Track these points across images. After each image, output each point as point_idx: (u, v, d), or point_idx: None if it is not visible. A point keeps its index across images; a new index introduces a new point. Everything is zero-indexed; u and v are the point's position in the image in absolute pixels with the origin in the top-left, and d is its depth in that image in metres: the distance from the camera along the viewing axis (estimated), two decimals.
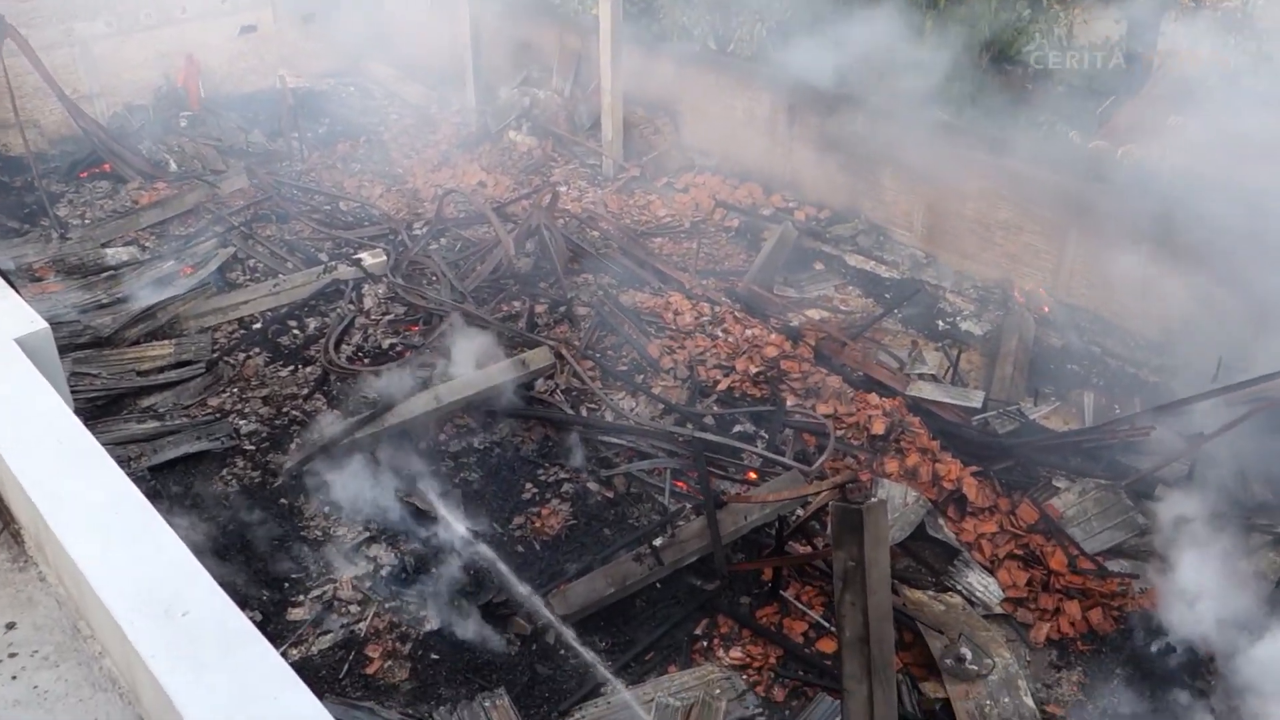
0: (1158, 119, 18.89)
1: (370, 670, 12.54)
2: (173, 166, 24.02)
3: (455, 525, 14.10)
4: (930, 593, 13.84)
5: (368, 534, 14.17)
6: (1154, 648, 13.15)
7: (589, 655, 12.70)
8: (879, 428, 15.96)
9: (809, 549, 14.08)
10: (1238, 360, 16.12)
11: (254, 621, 12.49)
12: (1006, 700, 12.33)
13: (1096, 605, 13.87)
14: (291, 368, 17.05)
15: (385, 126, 27.56)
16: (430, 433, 15.58)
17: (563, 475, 15.22)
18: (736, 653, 13.08)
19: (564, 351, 17.03)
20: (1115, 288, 18.78)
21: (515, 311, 18.47)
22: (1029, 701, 12.41)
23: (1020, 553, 14.59)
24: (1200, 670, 12.92)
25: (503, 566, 13.56)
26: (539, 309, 18.50)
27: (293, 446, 15.21)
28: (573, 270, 19.72)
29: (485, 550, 13.82)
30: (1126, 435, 15.80)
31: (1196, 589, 13.65)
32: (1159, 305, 18.11)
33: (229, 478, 14.86)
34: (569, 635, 12.80)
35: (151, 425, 15.41)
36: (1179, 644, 13.12)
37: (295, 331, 17.96)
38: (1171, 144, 18.13)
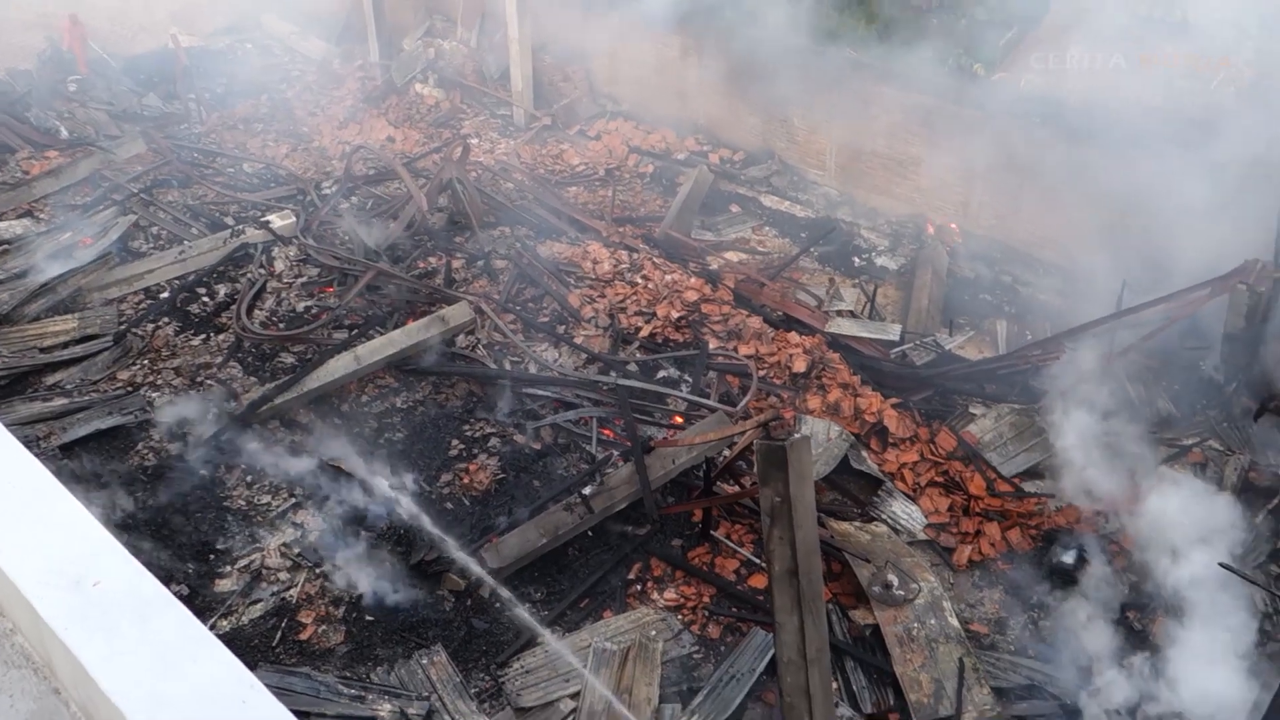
0: (1059, 49, 19.17)
1: (304, 636, 12.44)
2: (64, 133, 23.10)
3: (382, 486, 13.99)
4: (856, 523, 14.12)
5: (293, 500, 13.98)
6: (1068, 560, 13.57)
7: (521, 612, 12.75)
8: (800, 365, 16.14)
9: (737, 488, 14.25)
10: (1140, 282, 16.55)
11: (181, 596, 12.34)
12: (933, 622, 12.68)
13: (1015, 525, 14.29)
14: (203, 336, 16.66)
15: (287, 84, 26.82)
16: (352, 394, 15.40)
17: (489, 430, 15.17)
18: (670, 594, 13.23)
19: (484, 306, 16.90)
20: (1022, 218, 19.16)
21: (432, 268, 18.25)
22: (954, 622, 12.77)
23: (941, 480, 14.94)
24: (1115, 580, 13.39)
25: (427, 522, 13.50)
26: (456, 264, 18.30)
27: (210, 415, 14.90)
28: (488, 223, 19.51)
29: (414, 508, 13.74)
30: (1038, 360, 16.20)
31: (1107, 502, 14.14)
32: (1064, 233, 18.52)
33: (145, 452, 14.52)
34: (502, 592, 12.83)
35: (59, 403, 14.97)
36: (1090, 555, 13.57)
37: (205, 299, 17.53)
38: (1071, 73, 18.44)
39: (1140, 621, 13.00)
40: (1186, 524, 13.65)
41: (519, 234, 19.30)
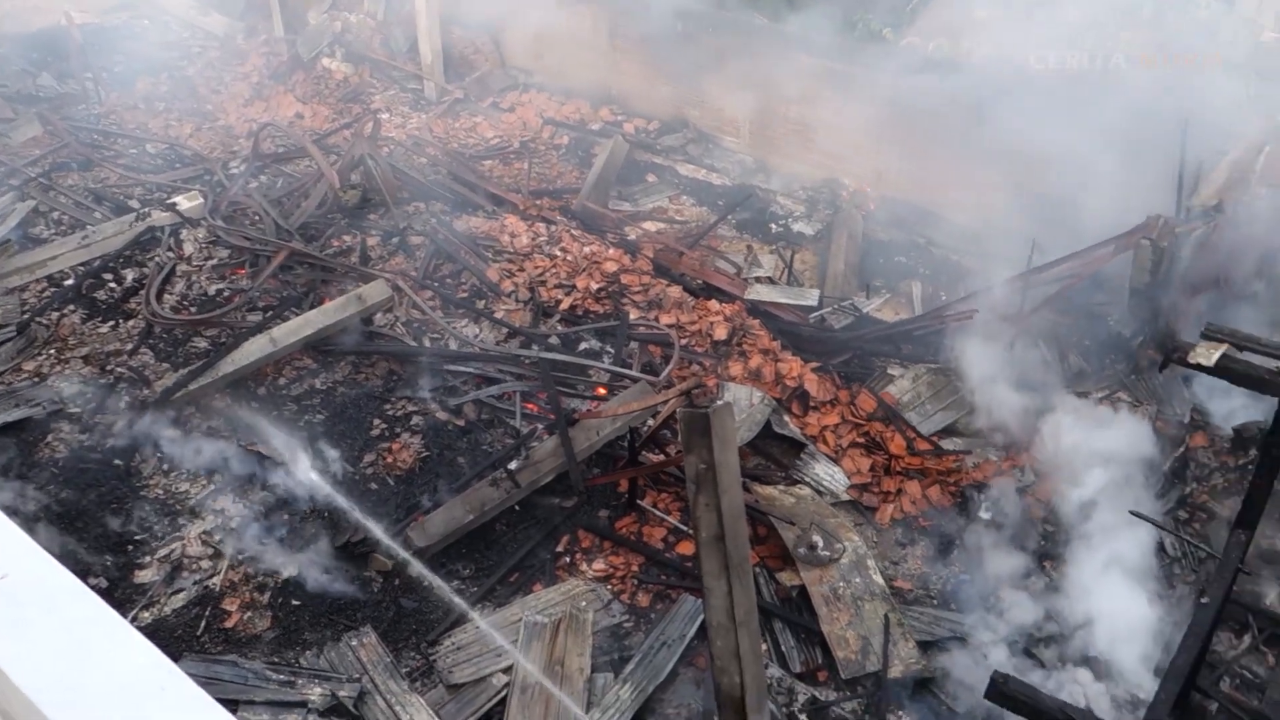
0: (965, 10, 19.45)
1: (229, 624, 12.25)
2: None
3: (304, 469, 13.79)
4: (780, 487, 14.31)
5: (212, 487, 13.73)
6: (985, 514, 13.93)
7: (445, 590, 12.72)
8: (721, 333, 16.26)
9: (662, 457, 14.34)
10: (1049, 241, 16.93)
11: (99, 589, 12.04)
12: (858, 580, 12.92)
13: (935, 483, 14.61)
14: (112, 323, 16.21)
15: (188, 61, 26.06)
16: (269, 377, 15.12)
17: (411, 408, 15.03)
18: (599, 565, 13.29)
19: (401, 283, 16.69)
20: (933, 180, 19.45)
21: (347, 246, 17.96)
22: (878, 579, 13.04)
23: (862, 441, 15.20)
24: (1031, 531, 13.79)
25: (343, 502, 13.37)
26: (371, 242, 18.03)
27: (123, 404, 14.54)
28: (403, 199, 19.24)
29: (337, 490, 13.58)
30: (953, 320, 16.51)
31: (1021, 455, 14.52)
32: (975, 195, 18.84)
33: (55, 444, 14.12)
34: (425, 571, 12.77)
35: None
36: (1008, 512, 13.94)
37: (112, 285, 17.03)
38: (977, 35, 18.73)
39: (1053, 570, 13.38)
40: (1097, 473, 14.10)
41: (434, 209, 19.08)
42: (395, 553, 12.85)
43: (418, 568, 12.78)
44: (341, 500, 13.43)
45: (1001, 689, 8.25)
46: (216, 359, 14.77)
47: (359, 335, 15.86)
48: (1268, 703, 11.79)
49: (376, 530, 13.04)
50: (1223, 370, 8.74)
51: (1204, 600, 9.40)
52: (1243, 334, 9.19)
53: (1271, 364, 8.77)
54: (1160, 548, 14.02)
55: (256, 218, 18.72)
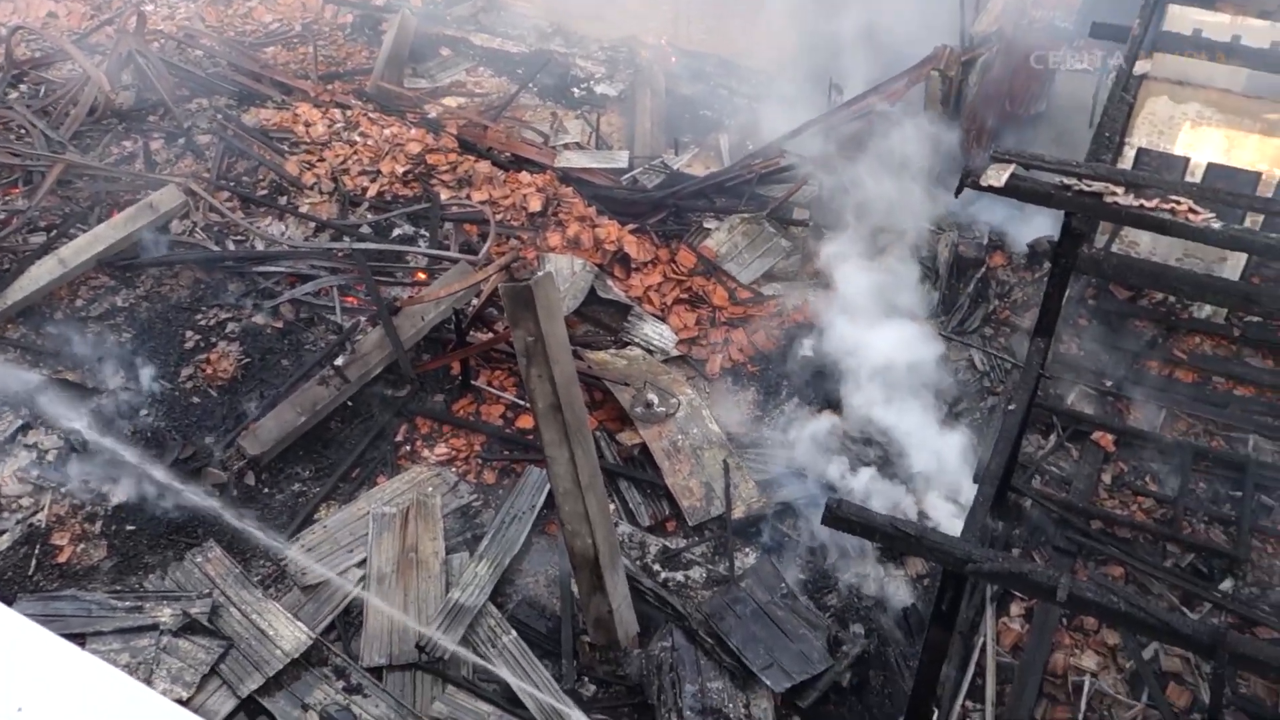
0: None
1: (62, 559, 11.78)
2: None
3: (118, 391, 13.17)
4: (611, 351, 14.49)
5: (20, 422, 12.97)
6: (809, 352, 14.48)
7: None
8: (535, 204, 16.11)
9: (490, 335, 14.28)
10: (845, 80, 17.30)
11: None
12: (695, 431, 13.34)
13: (759, 329, 15.06)
14: None
15: None
16: (64, 301, 14.23)
17: (224, 316, 14.44)
18: (441, 449, 13.29)
19: (194, 186, 15.80)
20: (730, 29, 19.47)
21: (128, 153, 16.81)
22: (714, 427, 13.49)
23: (686, 296, 15.48)
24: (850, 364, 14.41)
25: (174, 420, 12.90)
26: (155, 146, 16.93)
27: None
28: (182, 97, 18.06)
29: (157, 408, 13.05)
30: (761, 168, 16.80)
31: (838, 294, 15.06)
32: (771, 39, 18.97)
33: None
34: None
35: None
36: (828, 349, 14.51)
37: None
38: None
39: (873, 397, 14.05)
40: (907, 300, 14.82)
41: (219, 104, 17.99)
42: (229, 463, 12.52)
43: (256, 475, 12.51)
44: (163, 418, 12.93)
45: (835, 514, 8.72)
46: (1, 287, 13.78)
47: (156, 245, 15.01)
48: (1074, 493, 12.90)
49: (207, 443, 12.65)
50: (1012, 189, 9.18)
51: (1011, 407, 10.08)
52: (1029, 154, 9.66)
53: (1056, 179, 9.27)
54: (971, 364, 14.95)
55: (23, 131, 17.26)
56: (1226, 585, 11.91)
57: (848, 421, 13.81)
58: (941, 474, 12.95)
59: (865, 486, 12.97)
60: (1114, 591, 8.57)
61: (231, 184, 16.34)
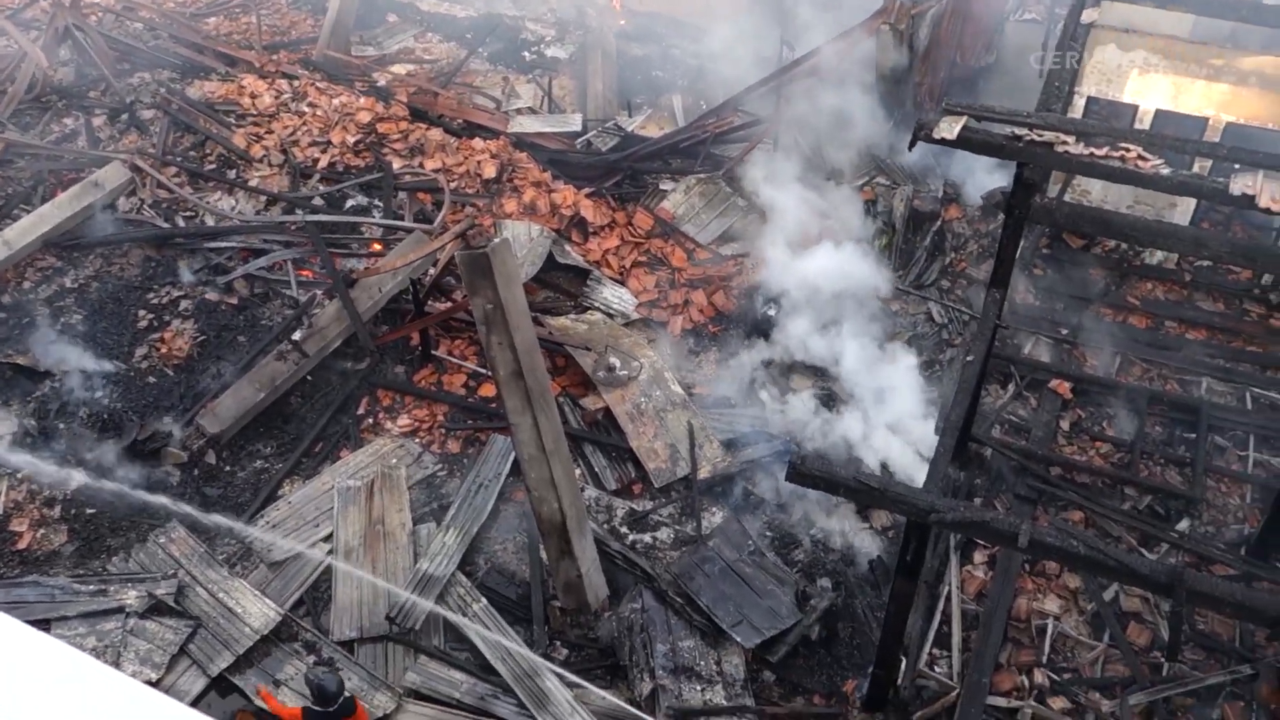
0: None
1: (22, 545, 11.63)
2: None
3: (72, 374, 12.96)
4: (571, 316, 14.46)
5: None
6: (769, 310, 14.53)
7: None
8: (490, 171, 15.97)
9: (449, 304, 14.18)
10: (796, 37, 17.24)
11: None
12: (658, 393, 13.36)
13: (718, 289, 15.07)
14: None
15: None
16: (11, 283, 13.96)
17: (177, 293, 14.23)
18: (404, 420, 13.22)
19: (140, 162, 15.51)
20: None
21: (70, 130, 16.46)
22: (677, 389, 13.51)
23: (644, 259, 15.45)
24: (811, 320, 14.48)
25: (130, 400, 12.74)
26: (97, 122, 16.58)
27: None
28: (123, 71, 17.68)
29: (113, 390, 12.87)
30: (715, 128, 16.75)
31: (791, 250, 15.10)
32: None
33: None
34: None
35: None
36: (788, 307, 14.56)
37: None
38: None
39: (837, 355, 14.14)
40: (859, 268, 14.87)
41: (161, 78, 17.63)
42: (190, 442, 12.40)
43: (218, 453, 12.40)
44: (120, 399, 12.76)
45: (800, 470, 8.79)
46: None
47: (104, 224, 14.74)
48: (1033, 440, 13.08)
49: (166, 423, 12.51)
50: (964, 141, 9.23)
51: (969, 358, 10.18)
52: (980, 105, 9.71)
53: (1007, 130, 9.32)
54: (929, 316, 15.07)
55: None
56: (1183, 525, 12.16)
57: (809, 375, 13.89)
58: (905, 425, 13.06)
59: (828, 432, 13.07)
60: (1074, 536, 8.72)
61: (178, 159, 16.05)
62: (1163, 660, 10.75)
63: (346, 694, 9.23)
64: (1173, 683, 10.52)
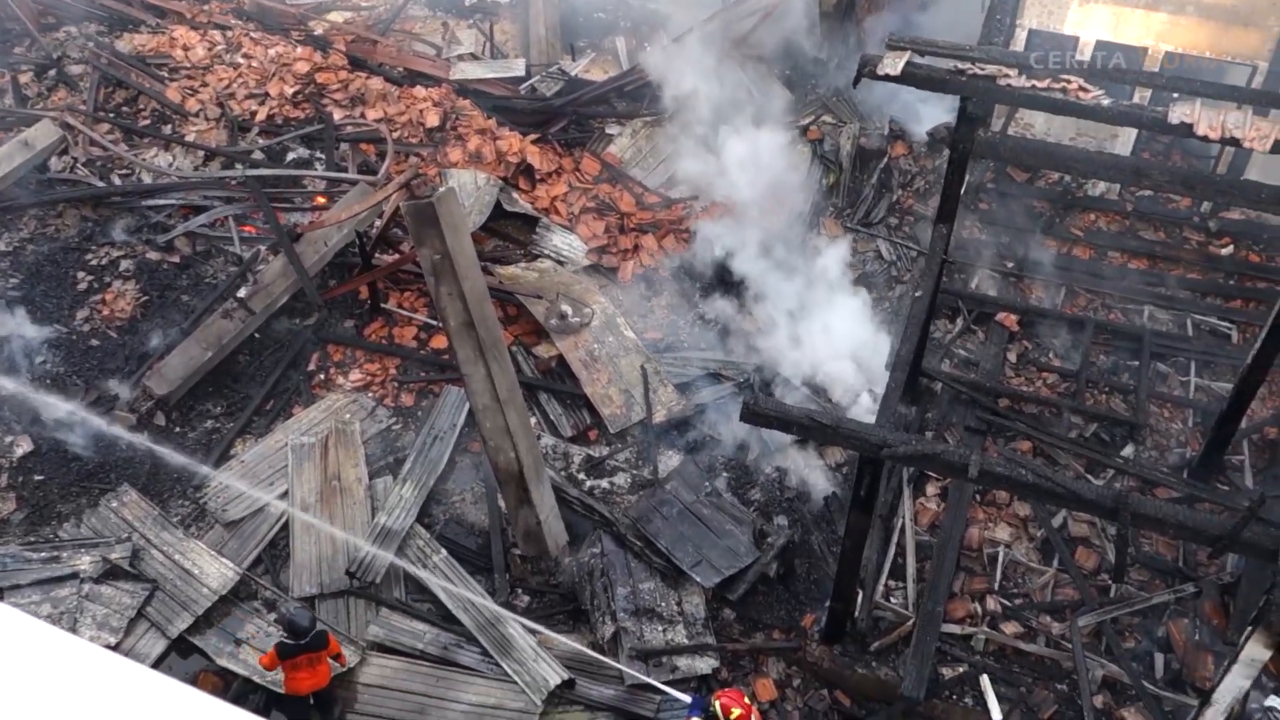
0: None
1: None
2: None
3: (11, 339, 12.70)
4: (521, 265, 14.37)
5: None
6: (719, 253, 14.53)
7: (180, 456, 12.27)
8: (433, 119, 15.73)
9: (396, 256, 14.02)
10: None
11: None
12: (611, 339, 13.35)
13: (668, 233, 15.03)
14: None
15: None
16: None
17: (116, 254, 13.94)
18: (356, 375, 13.12)
19: (71, 120, 15.09)
20: None
21: None
22: (630, 334, 13.51)
23: (593, 205, 15.34)
24: (763, 260, 14.51)
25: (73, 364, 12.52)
26: (24, 79, 16.05)
27: None
28: (48, 25, 17.09)
29: (54, 354, 12.64)
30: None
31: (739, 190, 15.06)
32: None
33: None
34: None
35: None
36: (737, 249, 14.56)
37: None
38: None
39: (788, 295, 14.20)
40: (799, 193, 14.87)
41: (89, 32, 17.07)
42: (140, 403, 12.23)
43: (167, 414, 12.25)
44: (62, 363, 12.54)
45: (753, 410, 8.87)
46: None
47: (36, 185, 14.35)
48: (981, 373, 13.27)
49: (111, 385, 12.31)
50: (907, 77, 9.24)
51: (918, 294, 10.27)
52: (923, 40, 9.70)
53: (950, 65, 9.33)
54: (878, 254, 15.15)
55: None
56: (1128, 451, 12.44)
57: (760, 317, 13.92)
58: (859, 363, 13.18)
59: (782, 369, 13.18)
60: (1022, 465, 8.90)
61: (111, 115, 15.63)
62: (1110, 582, 11.06)
63: (319, 628, 9.49)
64: (1120, 603, 10.84)
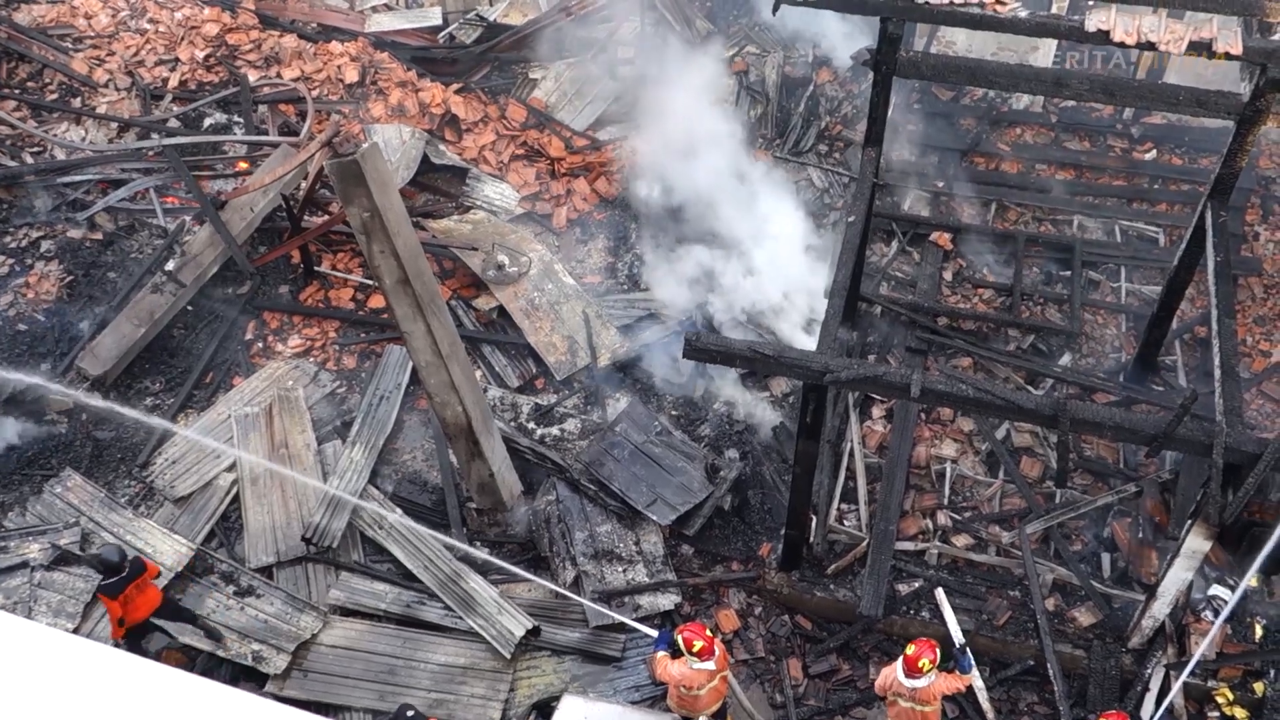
0: None
1: None
2: None
3: None
4: (454, 218, 14.21)
5: None
6: (651, 193, 14.47)
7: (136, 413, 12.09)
8: (352, 75, 15.40)
9: (325, 217, 13.79)
10: None
11: None
12: (550, 287, 13.30)
13: (599, 175, 14.93)
14: None
15: None
16: None
17: (36, 234, 13.55)
18: (295, 341, 12.96)
19: None
20: None
21: None
22: (568, 280, 13.46)
23: (522, 152, 15.19)
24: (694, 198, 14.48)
25: None
26: None
27: None
28: None
29: None
30: (579, 9, 16.33)
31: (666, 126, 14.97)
32: None
33: None
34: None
35: None
36: (671, 184, 14.50)
37: None
38: None
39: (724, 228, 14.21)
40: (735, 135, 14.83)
41: None
42: (76, 385, 11.99)
43: (104, 396, 12.02)
44: None
45: (696, 346, 8.91)
46: None
47: None
48: (919, 294, 13.43)
49: (41, 372, 12.05)
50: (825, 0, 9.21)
51: (851, 219, 10.32)
52: None
53: None
54: (810, 182, 15.19)
55: None
56: (1065, 360, 12.70)
57: (695, 254, 13.93)
58: (795, 293, 13.26)
59: (722, 302, 13.24)
60: (963, 381, 9.05)
61: (16, 91, 15.10)
62: (1054, 489, 11.35)
63: (130, 555, 9.54)
64: (1065, 508, 11.13)
